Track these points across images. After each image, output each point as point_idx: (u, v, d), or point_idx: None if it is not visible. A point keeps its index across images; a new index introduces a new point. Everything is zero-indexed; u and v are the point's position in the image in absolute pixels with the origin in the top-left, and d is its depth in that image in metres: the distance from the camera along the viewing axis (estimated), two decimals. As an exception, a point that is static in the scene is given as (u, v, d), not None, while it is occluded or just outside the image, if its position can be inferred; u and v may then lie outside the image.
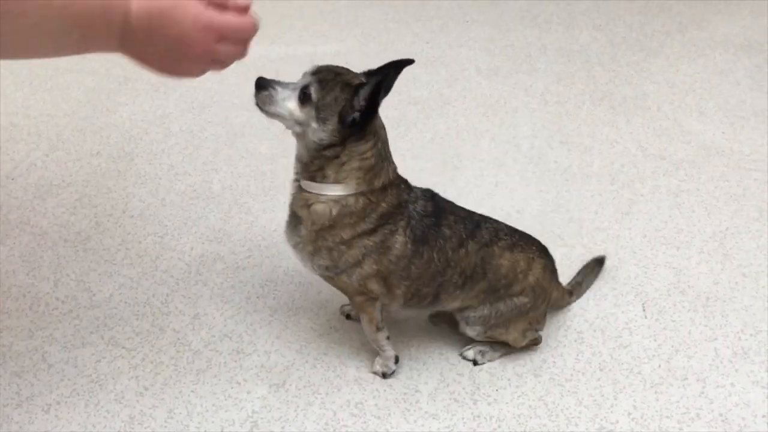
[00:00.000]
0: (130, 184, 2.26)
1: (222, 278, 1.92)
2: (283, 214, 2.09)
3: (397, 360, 1.66)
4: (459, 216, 1.56)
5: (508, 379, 1.66)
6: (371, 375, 1.66)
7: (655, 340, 1.76)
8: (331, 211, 1.44)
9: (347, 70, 1.43)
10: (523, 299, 1.60)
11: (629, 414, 1.58)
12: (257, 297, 1.87)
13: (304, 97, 1.39)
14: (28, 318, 1.79)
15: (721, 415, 1.58)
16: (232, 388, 1.63)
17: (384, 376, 1.65)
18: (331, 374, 1.66)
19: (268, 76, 1.48)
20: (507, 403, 1.60)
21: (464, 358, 1.70)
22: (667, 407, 1.60)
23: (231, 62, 1.11)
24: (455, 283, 1.55)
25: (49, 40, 1.00)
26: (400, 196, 1.49)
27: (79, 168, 2.32)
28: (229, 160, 2.38)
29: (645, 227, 2.12)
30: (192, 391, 1.62)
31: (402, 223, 1.48)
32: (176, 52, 1.05)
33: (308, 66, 1.45)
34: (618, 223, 2.13)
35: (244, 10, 1.07)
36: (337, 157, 1.41)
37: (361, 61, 1.42)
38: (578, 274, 1.87)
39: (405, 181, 1.53)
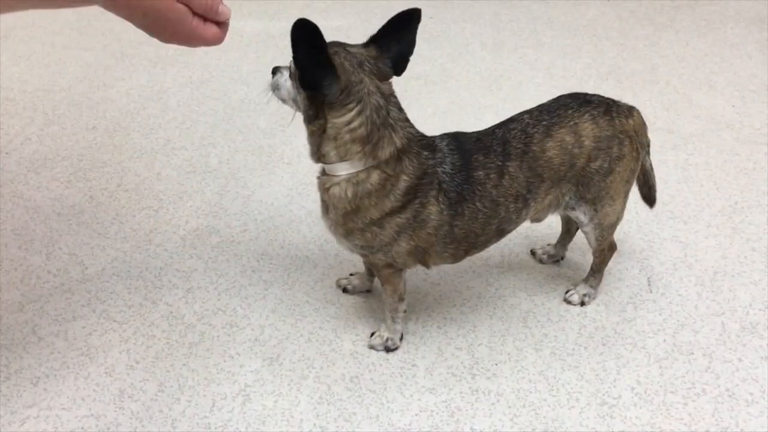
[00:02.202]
0: (125, 158, 2.22)
1: (217, 252, 1.88)
2: (280, 188, 2.06)
3: (401, 337, 1.62)
4: (485, 147, 1.44)
5: (508, 354, 1.61)
6: (367, 349, 1.62)
7: (660, 315, 1.71)
8: (346, 192, 1.36)
9: (332, 42, 1.31)
10: (596, 163, 1.48)
11: (632, 389, 1.53)
12: (252, 271, 1.83)
13: (290, 73, 1.33)
14: (19, 291, 1.75)
15: (727, 390, 1.53)
16: (224, 361, 1.59)
17: (387, 350, 1.61)
18: (327, 348, 1.62)
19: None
20: (506, 377, 1.56)
21: (569, 303, 1.73)
22: (672, 382, 1.55)
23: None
24: (516, 209, 1.47)
25: None
26: (422, 165, 1.38)
27: (75, 142, 2.29)
28: (226, 135, 2.34)
29: (651, 201, 2.06)
30: (184, 365, 1.58)
31: (432, 193, 1.39)
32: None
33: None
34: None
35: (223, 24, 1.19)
36: (324, 131, 1.33)
37: (363, 37, 1.37)
38: None
39: (428, 145, 1.41)
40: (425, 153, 1.39)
